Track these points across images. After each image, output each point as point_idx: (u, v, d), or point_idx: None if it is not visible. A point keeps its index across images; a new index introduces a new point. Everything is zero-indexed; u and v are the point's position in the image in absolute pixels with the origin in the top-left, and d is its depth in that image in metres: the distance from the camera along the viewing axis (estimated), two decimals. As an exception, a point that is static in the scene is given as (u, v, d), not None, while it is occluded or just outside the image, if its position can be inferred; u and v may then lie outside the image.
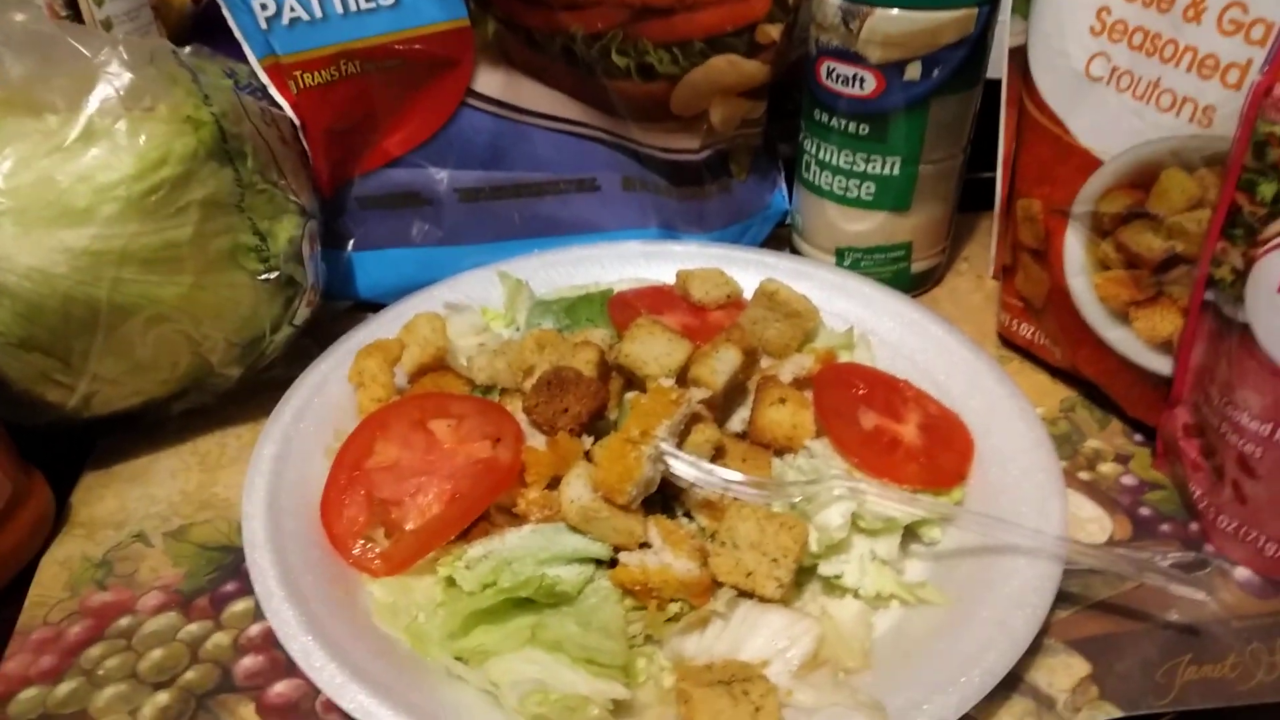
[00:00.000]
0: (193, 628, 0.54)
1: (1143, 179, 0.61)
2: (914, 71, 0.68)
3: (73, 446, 0.66)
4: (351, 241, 0.78)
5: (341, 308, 0.79)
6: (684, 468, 0.53)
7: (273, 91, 0.70)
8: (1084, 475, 0.64)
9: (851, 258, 0.78)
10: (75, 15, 0.78)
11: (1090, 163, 0.63)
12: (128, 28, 0.80)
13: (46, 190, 0.54)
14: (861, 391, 0.61)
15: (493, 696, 0.47)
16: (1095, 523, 0.61)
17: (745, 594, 0.51)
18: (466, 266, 0.76)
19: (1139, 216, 0.62)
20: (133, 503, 0.62)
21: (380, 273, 0.78)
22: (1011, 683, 0.49)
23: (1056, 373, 0.73)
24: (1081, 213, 0.65)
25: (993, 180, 0.81)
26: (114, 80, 0.56)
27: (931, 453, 0.58)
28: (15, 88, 0.55)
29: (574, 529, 0.53)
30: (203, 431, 0.67)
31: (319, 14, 0.68)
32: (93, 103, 0.55)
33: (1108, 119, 0.62)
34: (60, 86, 0.55)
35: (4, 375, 0.56)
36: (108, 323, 0.56)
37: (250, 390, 0.68)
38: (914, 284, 0.80)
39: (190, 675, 0.52)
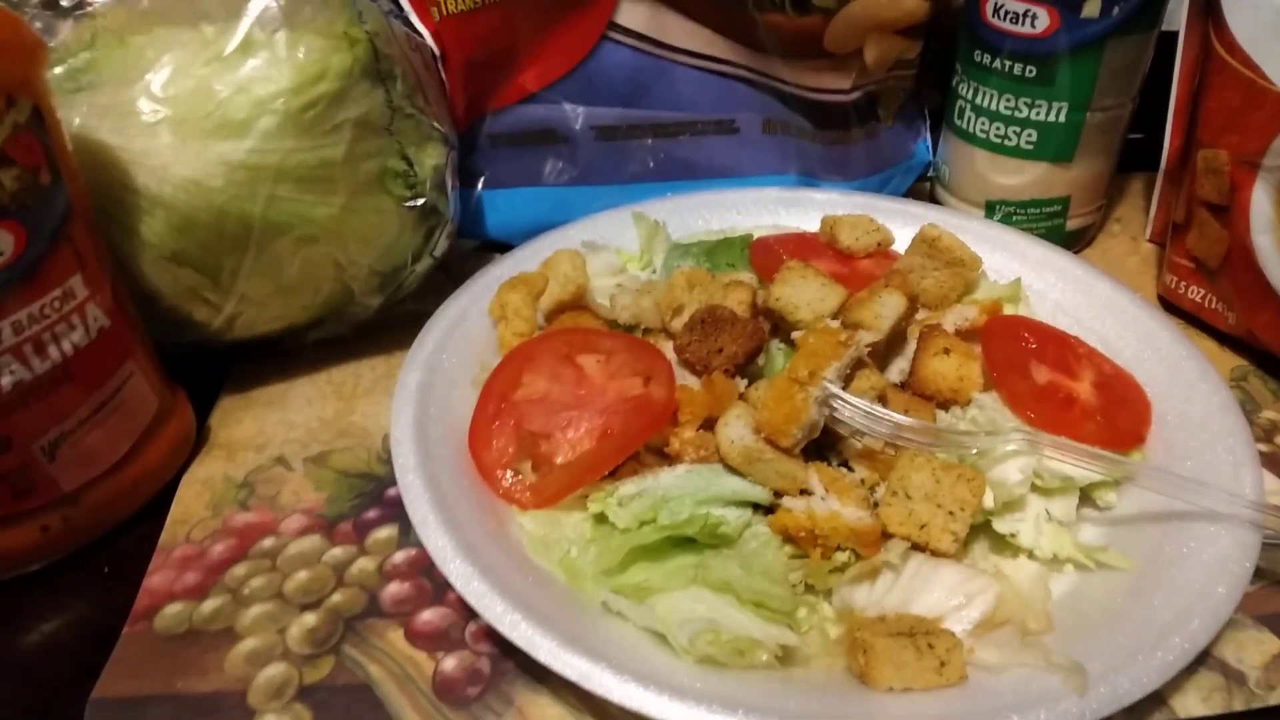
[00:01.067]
0: (337, 552, 0.53)
1: (1350, 126, 0.56)
2: (1093, 9, 0.64)
3: (207, 372, 0.65)
4: (482, 179, 0.76)
5: (469, 246, 0.77)
6: (853, 412, 0.50)
7: (413, 17, 0.68)
8: (1263, 448, 0.59)
9: (1003, 211, 0.74)
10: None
11: (1289, 106, 0.58)
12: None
13: (205, 100, 0.53)
14: (1032, 345, 0.57)
15: (652, 634, 0.45)
16: (1278, 496, 0.56)
17: (917, 547, 0.48)
18: (598, 208, 0.74)
19: (1342, 168, 0.58)
20: (271, 427, 0.62)
21: (511, 212, 0.76)
22: (1199, 658, 0.45)
23: (1226, 339, 0.68)
24: (1274, 165, 0.60)
25: (1146, 141, 0.76)
26: (272, -8, 0.54)
27: (1108, 412, 0.55)
28: (169, -2, 0.54)
29: (732, 471, 0.51)
30: (336, 362, 0.67)
31: (466, -62, 0.66)
32: (251, 13, 0.54)
33: (1313, 61, 0.57)
34: (215, -3, 0.54)
35: (154, 289, 0.56)
36: (259, 240, 0.55)
37: (384, 324, 0.67)
38: (1067, 242, 0.75)
39: (337, 598, 0.51)
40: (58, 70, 0.52)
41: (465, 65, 0.70)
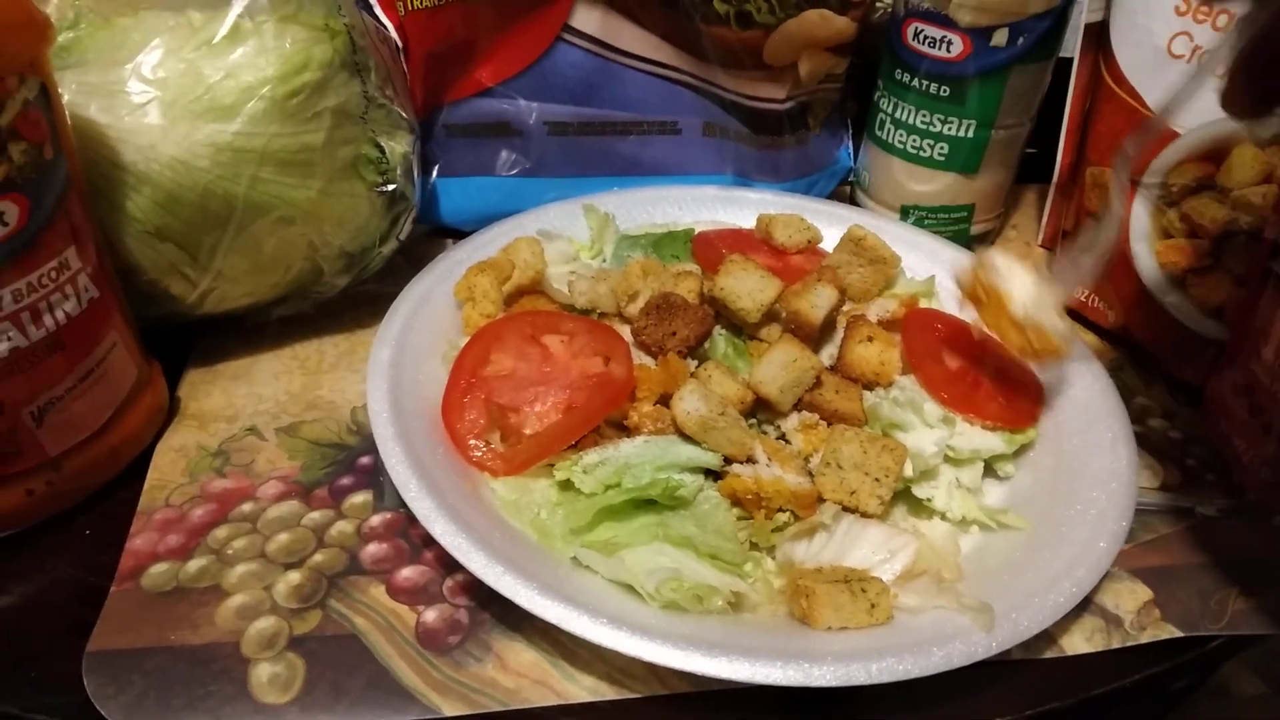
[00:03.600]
0: (315, 515, 0.57)
1: (1214, 154, 0.65)
2: (1000, 38, 0.71)
3: (170, 346, 0.67)
4: (437, 167, 0.80)
5: (422, 231, 0.81)
6: None
7: (378, 11, 0.72)
8: (1136, 428, 0.68)
9: (916, 215, 0.82)
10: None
11: (1165, 135, 0.67)
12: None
13: (195, 84, 0.55)
14: (945, 336, 0.65)
15: (618, 585, 0.50)
16: (1148, 470, 0.65)
17: (848, 509, 0.55)
18: (548, 199, 0.78)
19: (1206, 189, 0.67)
20: (240, 399, 0.64)
21: (464, 200, 0.80)
22: (1083, 604, 0.53)
23: (1106, 334, 0.77)
24: (1151, 183, 0.69)
25: (1040, 155, 0.85)
26: (259, -17, 0.57)
27: (1009, 394, 0.62)
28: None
29: (686, 441, 0.56)
30: (300, 338, 0.69)
31: (433, -62, 0.69)
32: (239, 2, 0.57)
33: (1185, 95, 0.66)
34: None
35: (136, 263, 0.58)
36: (241, 220, 0.58)
37: (345, 303, 0.70)
38: (971, 245, 0.83)
39: (319, 558, 0.54)
40: (47, 49, 0.53)
41: (426, 58, 0.74)
